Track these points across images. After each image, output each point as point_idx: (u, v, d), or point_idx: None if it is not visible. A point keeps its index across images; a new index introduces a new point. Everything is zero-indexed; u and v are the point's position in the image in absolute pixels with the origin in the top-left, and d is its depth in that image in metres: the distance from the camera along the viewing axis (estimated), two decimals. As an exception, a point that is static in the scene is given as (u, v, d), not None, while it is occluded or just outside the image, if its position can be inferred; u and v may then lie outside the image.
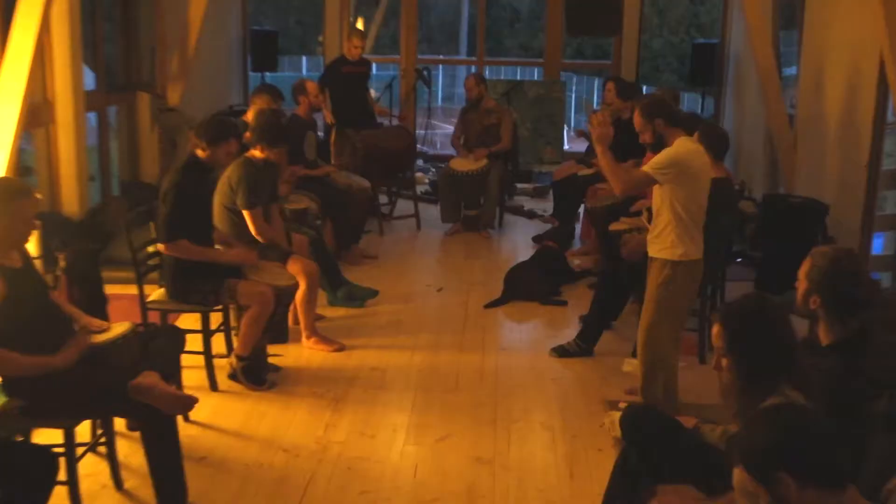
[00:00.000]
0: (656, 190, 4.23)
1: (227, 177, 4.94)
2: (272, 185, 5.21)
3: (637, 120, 4.23)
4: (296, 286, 4.84)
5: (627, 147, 6.77)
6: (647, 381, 4.31)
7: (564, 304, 6.13)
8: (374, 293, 6.06)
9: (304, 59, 24.08)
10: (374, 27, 19.36)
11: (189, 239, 4.46)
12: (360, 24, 11.45)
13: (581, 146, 10.03)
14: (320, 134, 7.53)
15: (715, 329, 2.64)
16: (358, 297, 5.99)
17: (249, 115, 5.99)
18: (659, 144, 4.20)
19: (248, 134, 5.09)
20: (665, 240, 4.20)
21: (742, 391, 2.58)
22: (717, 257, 4.92)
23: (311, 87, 6.78)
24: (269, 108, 5.89)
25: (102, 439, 3.73)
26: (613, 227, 5.83)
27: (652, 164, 4.09)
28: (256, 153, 5.03)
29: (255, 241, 4.97)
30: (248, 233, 4.96)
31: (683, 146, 4.18)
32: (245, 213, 4.94)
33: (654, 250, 4.27)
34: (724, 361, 2.62)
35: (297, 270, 5.02)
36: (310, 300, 5.15)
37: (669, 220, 4.19)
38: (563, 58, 11.58)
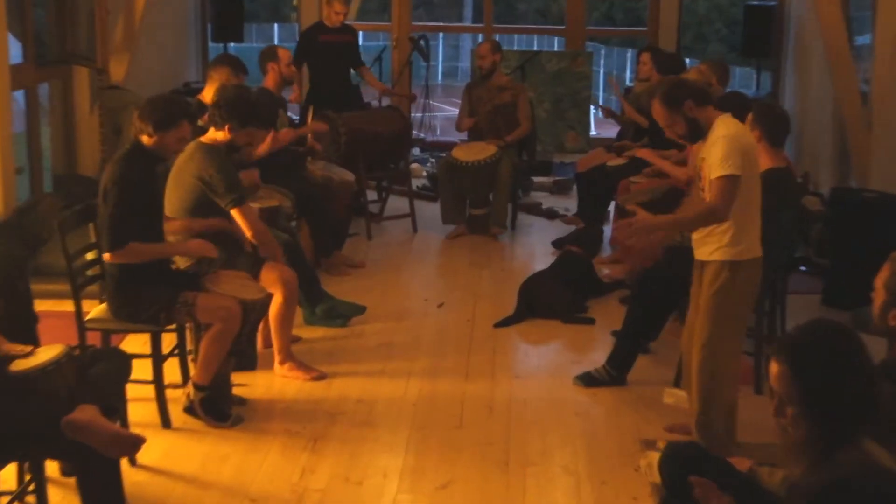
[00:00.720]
0: (705, 175, 4.22)
1: (197, 171, 4.89)
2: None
3: (660, 113, 4.26)
4: (267, 299, 4.83)
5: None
6: (705, 412, 4.30)
7: (591, 322, 6.13)
8: (361, 309, 6.05)
9: (275, 27, 24.17)
10: (360, -12, 19.33)
11: (138, 241, 4.45)
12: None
13: (611, 131, 10.05)
14: (291, 116, 7.54)
15: (773, 369, 2.51)
16: (341, 314, 5.98)
17: (206, 94, 5.99)
18: (696, 131, 4.21)
19: (205, 116, 5.08)
20: (720, 238, 4.21)
21: (810, 446, 2.50)
22: (776, 265, 4.91)
23: (284, 54, 6.79)
24: (231, 83, 5.90)
25: (31, 486, 3.71)
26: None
27: (719, 164, 4.08)
28: (219, 136, 5.01)
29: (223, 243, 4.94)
30: (209, 236, 4.94)
31: (731, 125, 4.21)
32: (235, 213, 4.89)
33: (705, 252, 4.27)
34: (789, 411, 2.55)
35: (273, 279, 5.01)
36: (286, 317, 5.14)
37: (731, 216, 4.18)
38: (588, 24, 11.59)
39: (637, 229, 4.27)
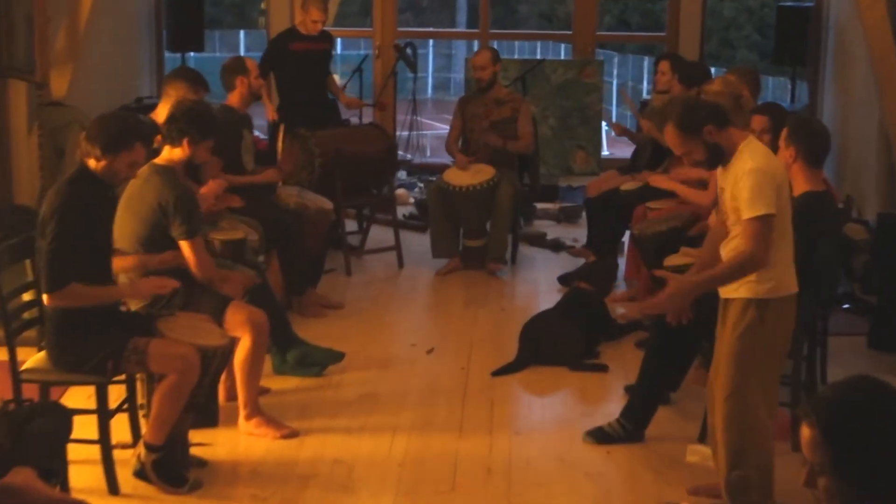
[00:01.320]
0: (728, 207, 4.26)
1: (155, 197, 4.92)
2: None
3: (675, 139, 4.28)
4: (230, 345, 4.83)
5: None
6: (733, 473, 4.30)
7: (604, 369, 6.14)
8: (339, 356, 6.06)
9: (240, 34, 24.28)
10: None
11: (82, 281, 4.45)
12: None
13: (625, 150, 10.12)
14: (259, 134, 7.58)
15: (804, 434, 2.45)
16: (316, 361, 5.98)
17: (159, 113, 6.02)
18: (717, 157, 4.26)
19: (159, 137, 5.11)
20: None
21: None
22: (815, 303, 4.92)
23: (253, 64, 6.82)
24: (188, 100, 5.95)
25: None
26: (671, 261, 5.84)
27: (750, 203, 4.11)
28: (175, 154, 5.04)
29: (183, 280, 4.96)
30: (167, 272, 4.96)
31: (758, 153, 4.25)
32: (185, 246, 4.93)
33: (729, 289, 4.30)
34: (822, 481, 2.53)
35: (239, 321, 5.02)
36: (254, 365, 5.15)
37: None
38: (598, 29, 11.69)
39: (670, 303, 4.27)
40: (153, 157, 5.04)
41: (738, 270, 4.20)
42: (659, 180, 6.87)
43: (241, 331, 5.01)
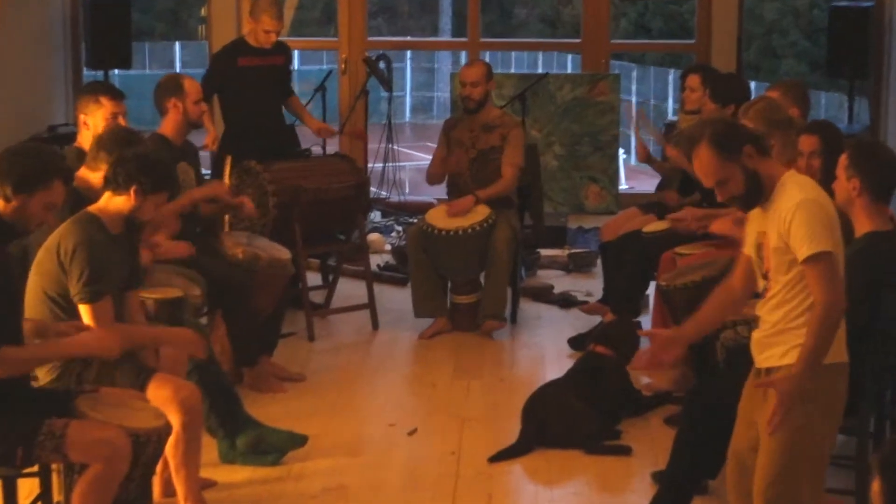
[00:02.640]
0: (770, 255, 4.28)
1: (54, 244, 4.96)
2: (133, 257, 5.26)
3: (708, 163, 4.25)
4: (168, 428, 4.84)
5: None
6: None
7: (627, 451, 6.14)
8: (301, 440, 6.05)
9: (176, 46, 24.43)
10: (293, -9, 19.65)
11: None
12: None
13: (647, 183, 10.17)
14: (202, 170, 7.58)
15: (875, 486, 2.62)
16: (273, 447, 5.97)
17: (83, 138, 6.07)
18: (757, 191, 4.27)
19: (85, 171, 5.14)
20: (796, 334, 4.25)
21: None
22: (881, 368, 4.94)
23: (192, 86, 6.86)
24: (116, 121, 6.01)
25: None
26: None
27: (807, 240, 4.12)
28: (116, 204, 5.06)
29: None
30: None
31: (806, 181, 4.29)
32: (83, 309, 4.95)
33: (774, 356, 4.31)
34: None
35: (164, 398, 5.01)
36: (189, 451, 5.13)
37: (801, 303, 4.25)
38: (613, 37, 11.79)
39: (785, 414, 4.20)
40: (79, 201, 5.08)
41: (827, 328, 4.17)
42: (692, 214, 6.86)
43: (167, 410, 4.97)
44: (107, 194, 5.09)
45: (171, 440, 5.03)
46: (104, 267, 4.99)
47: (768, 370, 4.34)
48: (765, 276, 4.34)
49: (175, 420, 5.01)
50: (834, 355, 4.27)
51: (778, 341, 4.31)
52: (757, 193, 4.28)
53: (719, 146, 4.25)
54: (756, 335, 4.38)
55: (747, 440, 4.42)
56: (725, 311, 4.69)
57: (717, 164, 4.26)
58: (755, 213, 4.37)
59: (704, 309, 4.65)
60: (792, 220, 4.18)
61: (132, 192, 5.04)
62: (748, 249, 4.48)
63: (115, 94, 6.32)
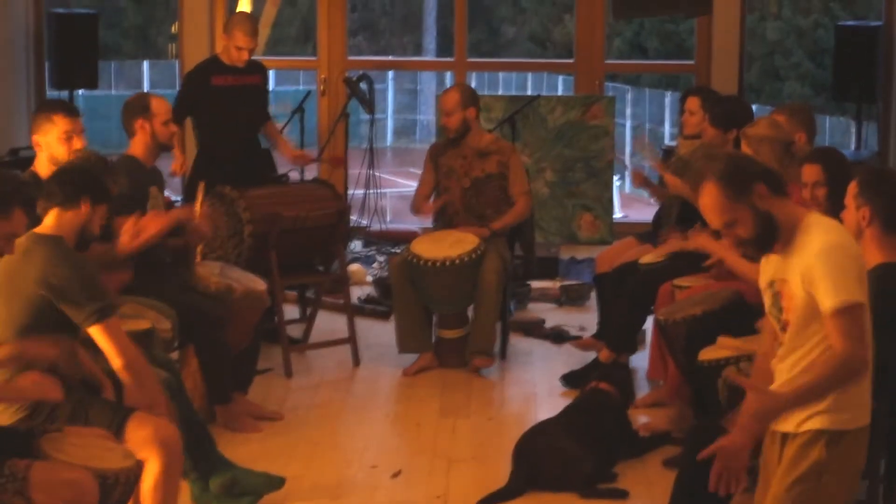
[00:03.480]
0: (791, 306, 4.24)
1: (39, 275, 4.93)
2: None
3: (716, 203, 4.18)
4: (136, 469, 4.82)
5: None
6: None
7: (623, 495, 6.14)
8: (278, 482, 6.04)
9: (144, 65, 24.49)
10: (269, 7, 19.71)
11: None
12: (245, 4, 11.65)
13: (644, 212, 10.19)
14: (170, 195, 7.60)
15: None
16: (248, 490, 5.96)
17: (38, 161, 6.06)
18: (770, 234, 4.22)
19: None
20: (819, 403, 4.22)
21: None
22: (891, 406, 4.93)
23: (160, 106, 6.85)
24: (70, 141, 6.07)
25: None
26: (707, 354, 5.87)
27: (832, 289, 4.06)
28: (67, 219, 5.06)
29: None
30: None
31: (831, 224, 4.25)
32: (97, 332, 4.94)
33: (791, 421, 4.26)
34: None
35: (143, 438, 4.99)
36: (166, 495, 5.11)
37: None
38: (607, 57, 11.83)
39: (748, 433, 4.19)
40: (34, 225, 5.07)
41: (837, 378, 4.10)
42: (705, 242, 6.88)
43: (146, 451, 4.96)
44: (53, 212, 5.07)
45: (149, 482, 5.01)
46: (98, 283, 5.00)
47: (784, 435, 4.29)
48: (783, 328, 4.28)
49: (155, 462, 4.99)
50: (857, 419, 4.24)
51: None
52: (770, 237, 4.21)
53: (728, 184, 4.17)
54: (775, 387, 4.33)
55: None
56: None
57: (724, 204, 4.19)
58: (773, 259, 4.29)
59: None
60: (817, 268, 4.10)
61: (83, 203, 5.04)
62: (766, 295, 4.41)
63: (70, 111, 6.33)
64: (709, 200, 4.22)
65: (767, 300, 4.36)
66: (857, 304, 4.08)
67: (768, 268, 4.35)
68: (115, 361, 4.97)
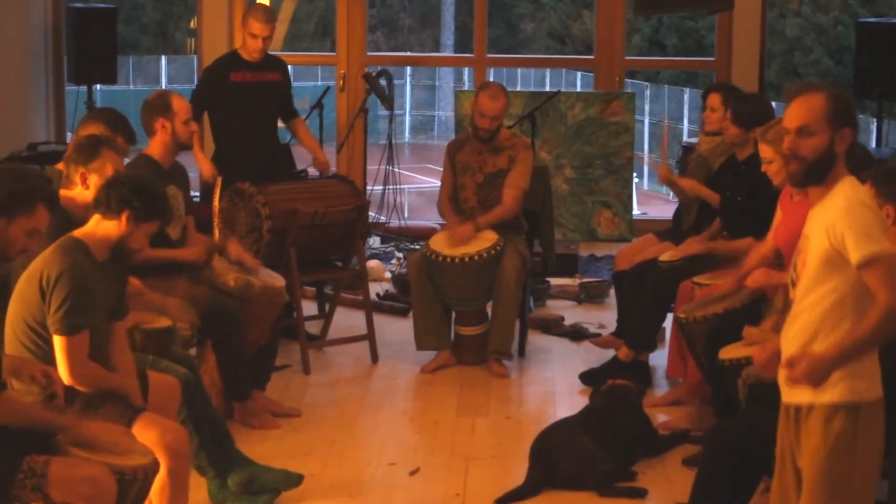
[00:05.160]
0: (808, 261, 4.23)
1: (37, 272, 4.95)
2: (120, 285, 5.26)
3: (810, 111, 4.19)
4: (155, 466, 4.82)
5: (752, 202, 6.88)
6: None
7: (642, 494, 6.13)
8: (296, 479, 6.04)
9: (162, 61, 24.49)
10: (288, 2, 19.79)
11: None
12: (264, -1, 11.68)
13: (663, 209, 10.17)
14: (193, 194, 7.58)
15: None
16: (266, 487, 5.96)
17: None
18: (822, 167, 4.21)
19: (64, 192, 5.14)
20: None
21: None
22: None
23: (180, 105, 6.84)
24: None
25: None
26: (729, 353, 5.86)
27: (866, 239, 4.06)
28: (104, 229, 5.06)
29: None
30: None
31: (863, 190, 4.27)
32: (58, 341, 4.95)
33: (807, 391, 4.25)
34: None
35: (152, 439, 5.00)
36: (176, 498, 5.12)
37: (836, 324, 4.19)
38: (627, 53, 11.81)
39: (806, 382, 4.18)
40: (64, 223, 5.08)
41: (882, 329, 4.08)
42: (707, 246, 6.85)
43: (156, 451, 4.95)
44: (96, 217, 5.08)
45: (156, 485, 5.02)
46: (87, 298, 4.98)
47: (798, 408, 4.29)
48: (793, 283, 4.30)
49: (163, 460, 5.00)
50: (871, 390, 4.24)
51: None
52: (820, 172, 4.21)
53: (834, 104, 4.18)
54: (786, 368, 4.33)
55: (782, 487, 4.39)
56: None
57: (819, 115, 4.18)
58: (811, 213, 4.29)
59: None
60: (848, 219, 4.11)
61: (123, 217, 5.04)
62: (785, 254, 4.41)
63: (118, 127, 6.30)
64: (806, 102, 4.21)
65: (795, 258, 4.36)
66: (889, 253, 4.08)
67: (810, 218, 4.32)
68: (63, 375, 4.96)
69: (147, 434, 5.00)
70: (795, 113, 4.23)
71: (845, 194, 4.17)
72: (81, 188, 5.54)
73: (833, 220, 4.14)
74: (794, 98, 4.27)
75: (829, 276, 4.19)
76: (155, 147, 6.79)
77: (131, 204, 5.03)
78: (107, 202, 5.06)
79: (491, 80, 10.97)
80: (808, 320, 4.25)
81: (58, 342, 4.94)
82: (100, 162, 5.67)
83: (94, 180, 5.49)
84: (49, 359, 4.98)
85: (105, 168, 5.59)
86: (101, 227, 5.07)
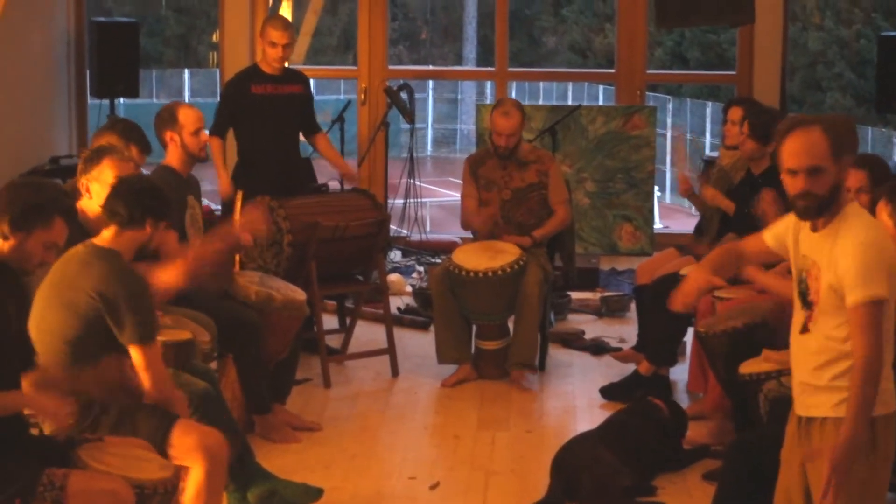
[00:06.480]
0: (819, 289, 4.23)
1: (96, 285, 4.95)
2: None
3: (815, 148, 4.18)
4: (174, 480, 4.82)
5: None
6: None
7: (662, 509, 6.14)
8: (316, 494, 6.04)
9: (185, 74, 24.56)
10: (310, 16, 19.80)
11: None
12: (286, 9, 11.68)
13: (685, 223, 10.15)
14: (212, 205, 7.60)
15: None
16: (286, 501, 5.96)
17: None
18: (831, 199, 4.20)
19: (81, 205, 5.16)
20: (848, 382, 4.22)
21: None
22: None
23: (188, 116, 6.84)
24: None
25: None
26: (749, 367, 5.84)
27: (863, 279, 4.09)
28: (128, 237, 5.09)
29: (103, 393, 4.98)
30: (87, 381, 4.98)
31: (871, 221, 4.28)
32: (137, 353, 4.99)
33: (823, 404, 4.27)
34: None
35: (189, 446, 5.00)
36: (212, 496, 5.10)
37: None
38: (650, 66, 11.81)
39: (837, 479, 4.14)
40: (80, 236, 5.09)
41: (869, 383, 4.12)
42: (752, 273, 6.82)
43: (191, 458, 4.98)
44: (113, 228, 5.10)
45: (192, 491, 5.03)
46: (150, 305, 5.05)
47: (809, 420, 4.30)
48: (807, 305, 4.30)
49: (199, 469, 5.01)
50: (885, 405, 4.24)
51: (832, 385, 4.25)
52: (830, 205, 4.22)
53: (835, 136, 4.19)
54: (803, 377, 4.33)
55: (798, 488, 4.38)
56: (730, 265, 4.73)
57: (823, 151, 4.18)
58: (806, 232, 4.31)
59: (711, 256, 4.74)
60: (848, 259, 4.13)
61: (148, 224, 5.09)
62: (794, 270, 4.43)
63: (132, 137, 6.37)
64: (807, 141, 4.20)
65: (795, 267, 4.38)
66: (881, 301, 4.11)
67: (806, 239, 4.32)
68: (146, 383, 5.02)
69: (187, 439, 5.02)
70: (799, 153, 4.23)
71: (859, 232, 4.18)
72: (87, 197, 5.60)
73: (840, 252, 4.17)
74: (787, 135, 4.27)
75: (840, 309, 4.21)
76: (172, 158, 6.85)
77: (151, 209, 5.09)
78: (128, 214, 5.08)
79: (513, 93, 11.03)
80: (824, 345, 4.28)
81: (137, 352, 4.99)
82: (98, 170, 5.75)
83: (96, 188, 5.62)
84: (82, 369, 5.00)
85: (104, 175, 5.67)
86: (124, 237, 5.10)
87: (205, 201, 7.45)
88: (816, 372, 4.29)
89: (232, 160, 8.54)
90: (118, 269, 5.01)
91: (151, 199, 5.12)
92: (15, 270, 4.61)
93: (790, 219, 4.41)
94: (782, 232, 4.46)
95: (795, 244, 4.39)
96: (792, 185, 4.25)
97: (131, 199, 5.10)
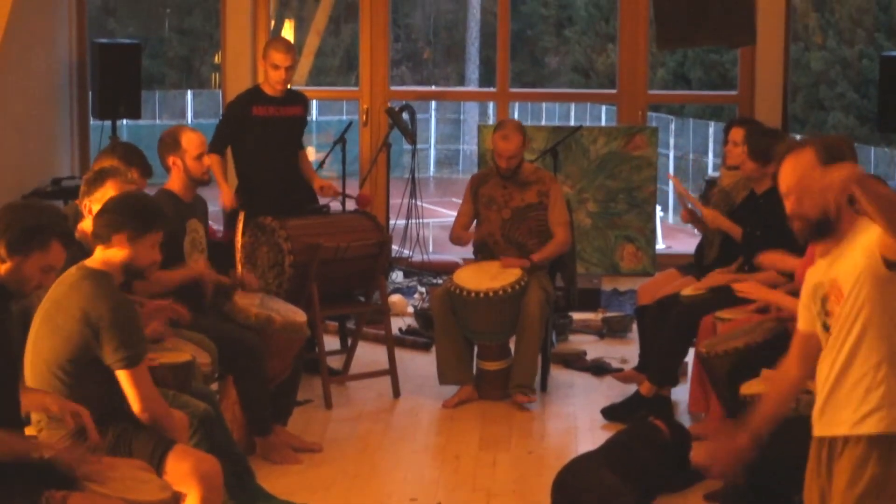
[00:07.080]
0: (840, 298, 4.18)
1: (76, 308, 4.94)
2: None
3: (800, 169, 4.17)
4: (171, 502, 4.81)
5: (771, 237, 6.85)
6: None
7: (664, 530, 6.11)
8: (316, 516, 6.03)
9: (188, 95, 24.58)
10: (312, 37, 19.87)
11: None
12: (288, 30, 11.69)
13: (686, 243, 10.14)
14: (215, 226, 7.60)
15: None
16: (286, 522, 5.96)
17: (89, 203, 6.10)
18: (828, 224, 4.18)
19: (83, 226, 5.15)
20: (877, 395, 4.15)
21: None
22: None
23: (190, 141, 6.84)
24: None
25: None
26: (750, 388, 5.83)
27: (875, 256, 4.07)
28: (112, 256, 5.06)
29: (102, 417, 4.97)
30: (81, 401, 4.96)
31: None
32: (123, 375, 4.97)
33: (843, 422, 4.21)
34: None
35: (184, 472, 4.99)
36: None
37: (884, 358, 4.15)
38: (652, 86, 11.81)
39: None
40: (76, 259, 5.08)
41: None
42: (749, 288, 6.79)
43: (186, 484, 4.97)
44: (98, 248, 5.08)
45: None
46: (138, 327, 5.02)
47: (832, 441, 4.22)
48: (826, 328, 4.24)
49: (194, 495, 4.99)
50: None
51: (846, 402, 4.20)
52: (828, 226, 4.18)
53: (825, 155, 4.16)
54: (826, 392, 4.24)
55: None
56: (787, 402, 4.60)
57: (816, 177, 4.14)
58: (819, 265, 4.27)
59: (764, 406, 4.53)
60: (867, 234, 4.07)
61: (121, 240, 5.03)
62: (804, 323, 4.38)
63: (133, 160, 6.39)
64: (797, 164, 4.19)
65: (815, 306, 4.29)
66: None
67: (814, 274, 4.30)
68: (135, 406, 4.99)
69: (182, 465, 5.00)
70: (790, 175, 4.22)
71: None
72: (89, 219, 5.61)
73: (855, 252, 4.11)
74: (783, 159, 4.27)
75: (873, 315, 4.13)
76: (174, 182, 6.84)
77: (122, 225, 5.03)
78: (99, 232, 5.07)
79: (515, 114, 11.04)
80: (851, 350, 4.18)
81: (124, 376, 4.96)
82: (101, 192, 5.76)
83: (96, 209, 5.58)
84: (76, 394, 4.98)
85: (106, 197, 5.64)
86: (106, 256, 5.07)
87: (211, 223, 7.43)
88: (837, 387, 4.19)
89: (231, 183, 8.54)
90: (105, 289, 4.98)
91: (128, 215, 5.08)
92: (14, 294, 4.60)
93: (804, 297, 4.37)
94: (803, 310, 4.39)
95: (814, 291, 4.32)
96: (787, 207, 4.24)
97: (108, 217, 5.09)
